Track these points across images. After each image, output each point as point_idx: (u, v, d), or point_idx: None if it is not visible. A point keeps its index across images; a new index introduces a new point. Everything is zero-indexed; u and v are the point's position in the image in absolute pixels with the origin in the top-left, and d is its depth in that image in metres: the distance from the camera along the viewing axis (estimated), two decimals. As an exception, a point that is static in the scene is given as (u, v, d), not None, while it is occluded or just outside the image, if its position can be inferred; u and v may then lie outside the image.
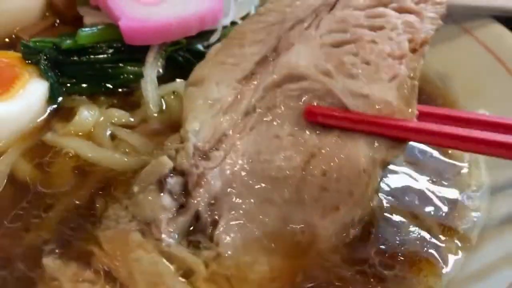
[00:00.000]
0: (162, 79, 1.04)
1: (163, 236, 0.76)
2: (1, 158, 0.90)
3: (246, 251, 0.78)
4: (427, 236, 0.87)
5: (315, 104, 0.86)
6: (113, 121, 0.98)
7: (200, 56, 1.02)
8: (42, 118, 0.99)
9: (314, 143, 0.83)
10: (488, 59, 1.15)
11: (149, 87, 1.00)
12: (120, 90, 1.05)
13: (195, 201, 0.80)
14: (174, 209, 0.79)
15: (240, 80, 0.90)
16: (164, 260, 0.75)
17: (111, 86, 1.04)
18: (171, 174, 0.80)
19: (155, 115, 0.99)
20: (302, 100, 0.86)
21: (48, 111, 1.00)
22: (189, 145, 0.81)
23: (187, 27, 1.04)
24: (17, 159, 0.91)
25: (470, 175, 0.98)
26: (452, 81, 1.19)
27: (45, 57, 1.00)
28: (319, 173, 0.80)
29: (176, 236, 0.77)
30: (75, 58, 1.03)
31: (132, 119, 1.00)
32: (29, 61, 1.01)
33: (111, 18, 1.03)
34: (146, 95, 1.00)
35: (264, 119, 0.86)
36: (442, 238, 0.87)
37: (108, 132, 0.97)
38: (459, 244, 0.87)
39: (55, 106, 1.01)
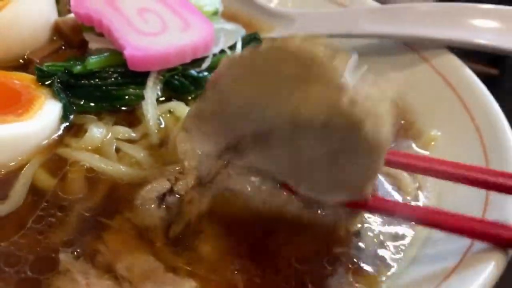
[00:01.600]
0: (160, 100, 1.15)
1: (158, 240, 0.91)
2: (23, 171, 0.98)
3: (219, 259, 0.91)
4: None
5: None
6: (118, 136, 1.08)
7: (193, 80, 1.17)
8: (57, 134, 1.07)
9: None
10: (441, 84, 1.28)
11: (150, 108, 1.10)
12: (123, 109, 1.15)
13: (187, 215, 0.93)
14: (170, 220, 0.92)
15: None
16: (155, 259, 0.87)
17: (116, 106, 1.14)
18: (168, 194, 0.94)
19: (155, 131, 1.09)
20: None
21: (62, 128, 1.09)
22: (190, 178, 0.94)
23: (183, 55, 1.14)
24: (37, 171, 1.00)
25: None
26: (412, 104, 1.31)
27: (58, 80, 1.09)
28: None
29: (168, 243, 0.91)
30: (85, 81, 1.12)
31: (134, 135, 1.10)
32: (43, 84, 1.10)
33: (116, 46, 1.14)
34: (147, 114, 1.10)
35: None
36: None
37: (114, 146, 1.06)
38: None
39: (67, 123, 1.10)
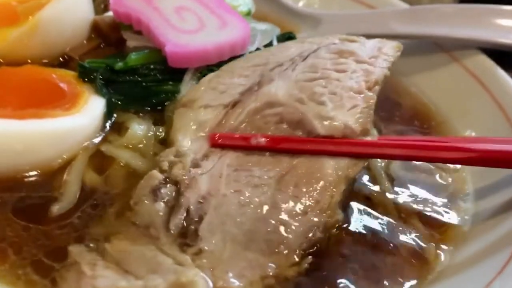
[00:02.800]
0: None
1: (161, 235, 0.88)
2: (73, 167, 1.01)
3: (224, 247, 0.87)
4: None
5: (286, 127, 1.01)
6: (157, 134, 1.10)
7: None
8: (101, 131, 1.09)
9: (289, 161, 0.97)
10: (474, 85, 1.32)
11: None
12: (161, 105, 1.15)
13: (186, 200, 0.91)
14: (168, 212, 0.91)
15: (226, 105, 1.05)
16: (161, 254, 0.86)
17: (154, 102, 1.15)
18: (162, 185, 0.93)
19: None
20: (278, 125, 1.01)
21: (105, 124, 1.10)
22: (187, 160, 0.95)
23: (221, 52, 1.15)
24: (85, 166, 1.02)
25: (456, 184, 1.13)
26: (442, 104, 1.35)
27: (100, 77, 1.11)
28: (292, 184, 0.94)
29: (171, 236, 0.89)
30: (125, 77, 1.14)
31: None
32: (84, 80, 1.12)
33: (155, 43, 1.16)
34: None
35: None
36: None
37: (153, 144, 1.08)
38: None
39: (110, 120, 1.11)
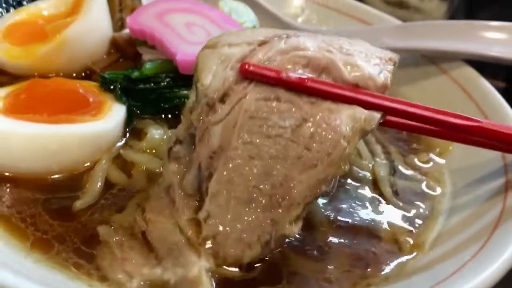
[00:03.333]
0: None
1: (177, 198, 0.95)
2: (98, 166, 1.09)
3: (228, 208, 0.90)
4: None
5: (313, 76, 0.96)
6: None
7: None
8: (122, 136, 1.18)
9: (307, 110, 0.93)
10: (458, 93, 1.40)
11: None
12: (175, 110, 1.25)
13: (197, 155, 0.93)
14: (183, 171, 0.96)
15: (252, 43, 1.01)
16: (178, 231, 0.93)
17: (168, 107, 1.26)
18: (175, 144, 0.98)
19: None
20: (304, 68, 0.97)
21: (126, 131, 1.20)
22: (203, 102, 0.94)
23: None
24: (109, 166, 1.10)
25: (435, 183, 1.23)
26: None
27: (119, 86, 1.22)
28: (306, 135, 0.90)
29: (185, 197, 0.94)
30: (141, 85, 1.25)
31: None
32: (105, 89, 1.22)
33: (167, 54, 1.27)
34: None
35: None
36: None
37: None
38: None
39: (131, 125, 1.21)
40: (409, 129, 1.09)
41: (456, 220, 1.12)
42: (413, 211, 1.16)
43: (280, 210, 0.89)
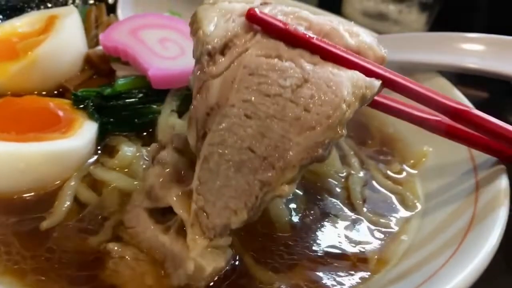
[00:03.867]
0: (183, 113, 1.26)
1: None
2: (66, 185, 1.08)
3: (218, 173, 0.88)
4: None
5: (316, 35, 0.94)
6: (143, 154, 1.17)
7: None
8: (94, 154, 1.18)
9: (310, 70, 0.89)
10: None
11: (163, 121, 1.23)
12: (148, 125, 1.26)
13: (195, 110, 0.91)
14: (166, 173, 0.97)
15: (252, 2, 0.99)
16: (159, 233, 0.94)
17: (141, 123, 1.26)
18: (158, 151, 1.00)
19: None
20: (307, 31, 0.95)
21: (97, 148, 1.19)
22: (203, 51, 0.91)
23: None
24: (78, 185, 1.09)
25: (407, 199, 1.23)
26: (401, 124, 1.38)
27: (91, 103, 1.22)
28: (307, 96, 0.88)
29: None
30: (114, 102, 1.25)
31: None
32: (78, 107, 1.22)
33: (140, 70, 1.28)
34: (161, 128, 1.23)
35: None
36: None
37: (142, 164, 1.15)
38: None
39: (102, 143, 1.21)
40: (398, 114, 1.13)
41: (428, 230, 1.13)
42: (384, 223, 1.16)
43: (273, 172, 0.87)
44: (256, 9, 0.93)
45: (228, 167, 0.88)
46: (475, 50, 1.51)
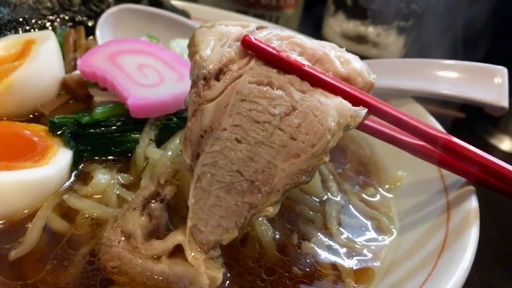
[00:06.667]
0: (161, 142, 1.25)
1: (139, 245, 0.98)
2: (38, 213, 1.07)
3: (210, 193, 0.93)
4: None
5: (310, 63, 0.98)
6: (121, 182, 1.18)
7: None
8: (67, 181, 1.17)
9: (298, 99, 0.94)
10: None
11: (141, 151, 1.23)
12: (125, 156, 1.26)
13: (189, 131, 0.95)
14: (150, 227, 1.00)
15: (248, 26, 1.03)
16: (156, 264, 0.96)
17: (119, 151, 1.25)
18: (151, 199, 1.01)
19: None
20: (300, 56, 0.99)
21: (72, 175, 1.19)
22: (199, 75, 0.95)
23: (179, 102, 1.25)
24: (50, 214, 1.08)
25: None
26: (377, 148, 1.49)
27: (68, 131, 1.20)
28: (294, 124, 0.92)
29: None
30: (91, 130, 1.24)
31: (132, 178, 1.20)
32: (54, 134, 1.21)
33: (119, 98, 1.26)
34: (138, 158, 1.22)
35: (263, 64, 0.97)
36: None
37: (117, 192, 1.15)
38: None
39: (77, 171, 1.20)
40: (384, 138, 1.17)
41: (402, 252, 1.15)
42: (359, 249, 1.17)
43: (259, 196, 0.93)
44: (251, 36, 0.97)
45: (220, 188, 0.94)
46: (449, 77, 1.55)
